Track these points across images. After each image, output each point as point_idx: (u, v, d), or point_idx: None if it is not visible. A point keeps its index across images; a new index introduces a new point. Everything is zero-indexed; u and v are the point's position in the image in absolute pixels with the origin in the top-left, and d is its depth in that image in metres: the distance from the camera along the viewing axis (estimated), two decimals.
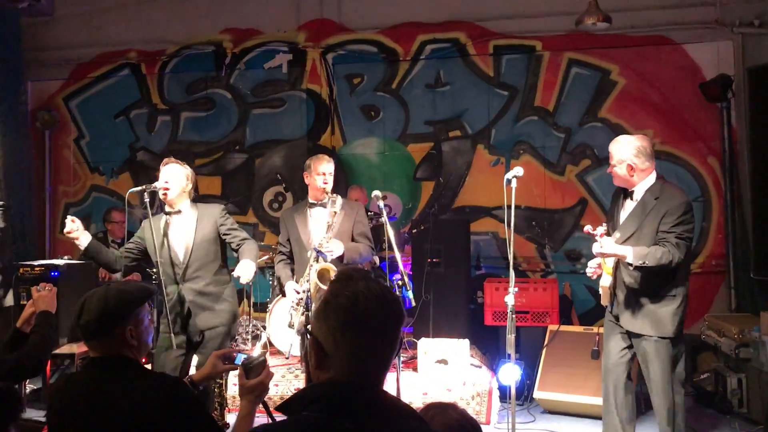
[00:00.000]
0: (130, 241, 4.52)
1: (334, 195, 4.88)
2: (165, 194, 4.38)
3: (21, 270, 5.32)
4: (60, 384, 2.54)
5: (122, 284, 2.58)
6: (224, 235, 4.43)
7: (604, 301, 4.21)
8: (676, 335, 3.94)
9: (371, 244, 5.03)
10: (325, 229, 4.73)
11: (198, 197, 4.69)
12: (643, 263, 3.77)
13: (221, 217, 4.45)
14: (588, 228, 3.96)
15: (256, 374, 2.27)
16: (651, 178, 4.00)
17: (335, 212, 4.79)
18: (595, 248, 3.83)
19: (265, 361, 2.32)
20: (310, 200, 4.95)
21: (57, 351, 4.90)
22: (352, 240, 4.90)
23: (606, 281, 4.11)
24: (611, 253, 3.83)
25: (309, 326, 1.67)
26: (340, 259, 4.73)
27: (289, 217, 5.05)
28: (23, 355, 3.09)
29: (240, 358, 2.43)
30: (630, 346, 4.09)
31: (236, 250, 4.44)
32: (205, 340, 4.35)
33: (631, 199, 4.06)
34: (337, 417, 1.52)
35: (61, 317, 5.16)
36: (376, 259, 6.07)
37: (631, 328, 3.99)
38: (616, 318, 4.10)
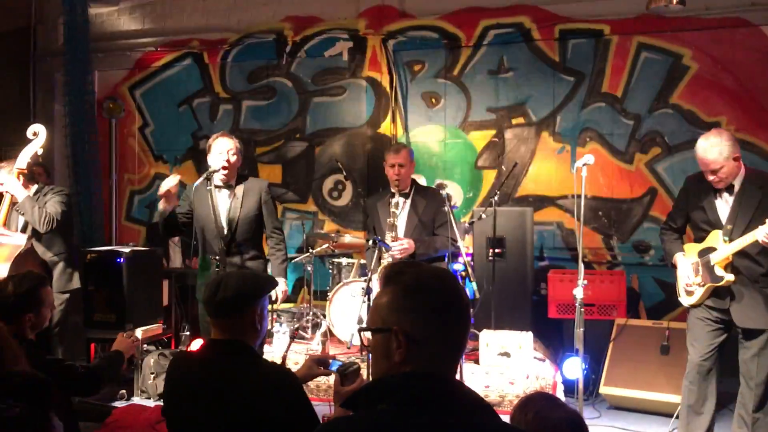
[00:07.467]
0: (180, 205, 4.53)
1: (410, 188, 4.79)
2: (227, 172, 4.37)
3: (88, 256, 5.46)
4: (178, 359, 2.66)
5: (253, 271, 2.97)
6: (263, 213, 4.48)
7: (694, 299, 4.04)
8: None
9: (452, 236, 4.69)
10: (388, 227, 4.67)
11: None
12: None
13: (266, 194, 4.50)
14: None
15: (350, 381, 2.34)
16: (742, 169, 3.93)
17: (394, 212, 4.70)
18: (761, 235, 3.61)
19: (359, 369, 2.38)
20: (392, 189, 4.88)
21: None
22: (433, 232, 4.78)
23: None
24: None
25: (383, 323, 1.57)
26: (412, 255, 4.64)
27: (372, 205, 5.05)
28: (92, 368, 3.39)
29: (335, 365, 2.51)
30: (722, 345, 4.02)
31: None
32: None
33: (730, 193, 3.93)
34: (414, 410, 1.45)
35: (126, 302, 5.32)
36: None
37: (754, 324, 3.88)
38: (725, 313, 3.95)
